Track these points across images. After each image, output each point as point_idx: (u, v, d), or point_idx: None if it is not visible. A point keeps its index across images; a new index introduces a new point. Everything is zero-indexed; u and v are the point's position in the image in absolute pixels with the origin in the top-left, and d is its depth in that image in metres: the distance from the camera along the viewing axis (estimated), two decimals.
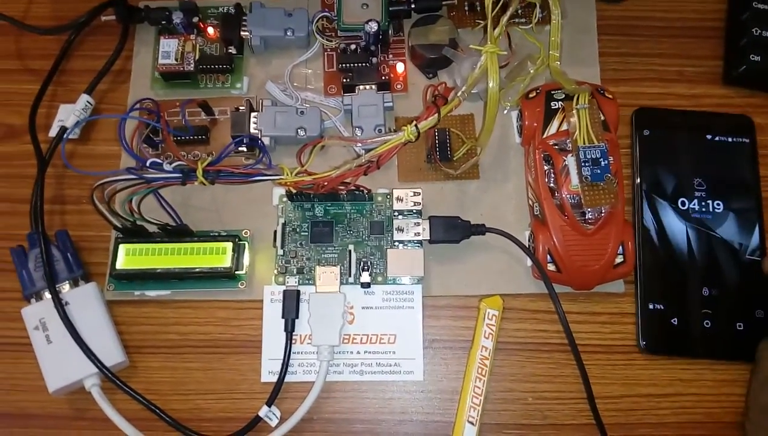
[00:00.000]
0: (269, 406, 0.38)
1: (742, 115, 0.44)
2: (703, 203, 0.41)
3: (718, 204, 0.41)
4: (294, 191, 0.37)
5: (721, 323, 0.39)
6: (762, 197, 0.42)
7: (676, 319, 0.39)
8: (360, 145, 0.38)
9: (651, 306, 0.39)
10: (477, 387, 0.39)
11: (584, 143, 0.38)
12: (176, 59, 0.44)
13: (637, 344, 0.40)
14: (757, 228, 0.41)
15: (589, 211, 0.38)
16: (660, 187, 0.41)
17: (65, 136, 0.41)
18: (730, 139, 0.42)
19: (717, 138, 0.42)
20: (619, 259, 0.38)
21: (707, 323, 0.39)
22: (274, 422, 0.38)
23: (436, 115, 0.35)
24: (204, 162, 0.35)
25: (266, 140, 0.42)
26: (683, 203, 0.41)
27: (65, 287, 0.40)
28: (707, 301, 0.40)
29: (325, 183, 0.36)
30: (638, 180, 0.42)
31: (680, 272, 0.40)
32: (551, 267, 0.39)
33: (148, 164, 0.35)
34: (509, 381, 0.40)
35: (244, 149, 0.42)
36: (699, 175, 0.41)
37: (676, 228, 0.41)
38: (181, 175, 0.34)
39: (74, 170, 0.43)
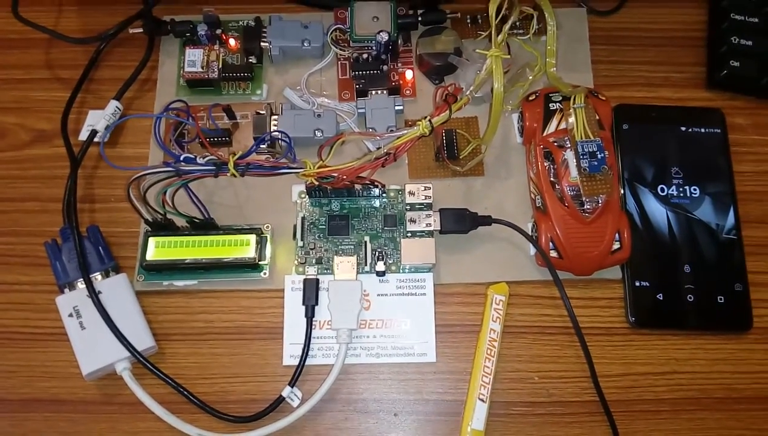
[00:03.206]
0: (292, 387, 0.41)
1: (714, 109, 0.48)
2: (681, 189, 0.44)
3: (694, 189, 0.44)
4: (316, 184, 0.40)
5: (703, 297, 0.43)
6: (735, 182, 0.45)
7: (661, 294, 0.43)
8: (378, 138, 0.41)
9: (637, 284, 0.43)
10: (486, 367, 0.41)
11: (582, 138, 0.41)
12: (202, 67, 0.47)
13: (627, 320, 0.43)
14: (731, 209, 0.44)
15: (587, 201, 0.41)
16: (641, 175, 0.45)
17: (103, 138, 0.45)
18: (703, 130, 0.46)
19: (691, 129, 0.46)
20: (616, 245, 0.41)
21: (690, 298, 0.42)
22: (295, 403, 0.41)
23: (448, 111, 0.38)
24: (235, 156, 0.37)
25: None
26: (662, 190, 0.44)
27: (97, 278, 0.42)
28: (689, 277, 0.43)
29: (345, 175, 0.39)
30: (620, 169, 0.45)
31: (663, 252, 0.43)
32: (553, 254, 0.42)
33: (181, 159, 0.38)
34: (516, 362, 0.42)
35: (265, 147, 0.45)
36: (676, 164, 0.45)
37: (657, 212, 0.44)
38: (214, 167, 0.37)
39: (111, 165, 0.45)
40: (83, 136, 0.47)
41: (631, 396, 0.42)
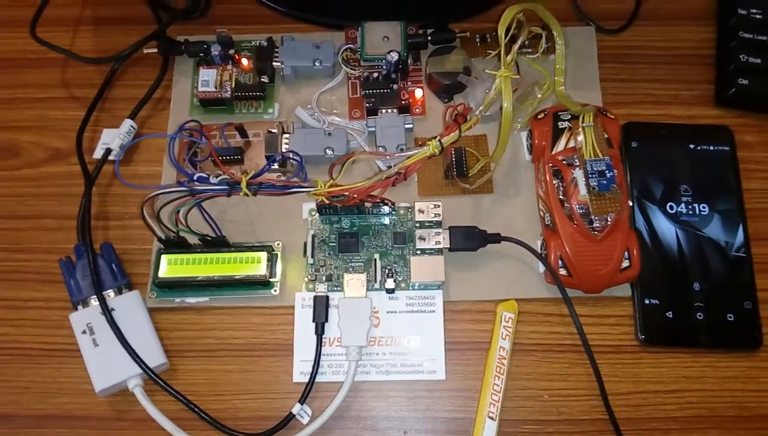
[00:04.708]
0: (302, 404, 0.41)
1: (722, 126, 0.48)
2: (690, 207, 0.45)
3: (703, 207, 0.45)
4: (326, 202, 0.40)
5: (712, 314, 0.42)
6: (744, 200, 0.45)
7: (671, 312, 0.43)
8: (388, 158, 0.42)
9: (647, 301, 0.43)
10: (496, 385, 0.41)
11: (591, 157, 0.41)
12: (215, 87, 0.48)
13: (636, 337, 0.43)
14: (741, 227, 0.44)
15: (596, 220, 0.41)
16: (649, 193, 0.45)
17: (117, 157, 0.45)
18: (711, 148, 0.46)
19: (699, 147, 0.46)
20: (625, 263, 0.42)
21: (700, 315, 0.42)
22: (305, 420, 0.41)
23: (458, 131, 0.39)
24: (248, 175, 0.38)
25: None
26: (671, 207, 0.45)
27: (110, 295, 0.43)
28: (699, 295, 0.43)
29: (356, 194, 0.39)
30: (629, 187, 0.45)
31: (672, 270, 0.43)
32: (562, 272, 0.42)
33: (195, 178, 0.38)
34: (525, 380, 0.42)
35: (277, 166, 0.45)
36: (685, 182, 0.45)
37: (666, 230, 0.44)
38: (227, 187, 0.38)
39: (126, 184, 0.46)
40: (98, 154, 0.47)
41: (640, 414, 0.42)
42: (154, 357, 0.41)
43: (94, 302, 0.42)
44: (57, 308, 0.44)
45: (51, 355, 0.44)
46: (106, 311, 0.41)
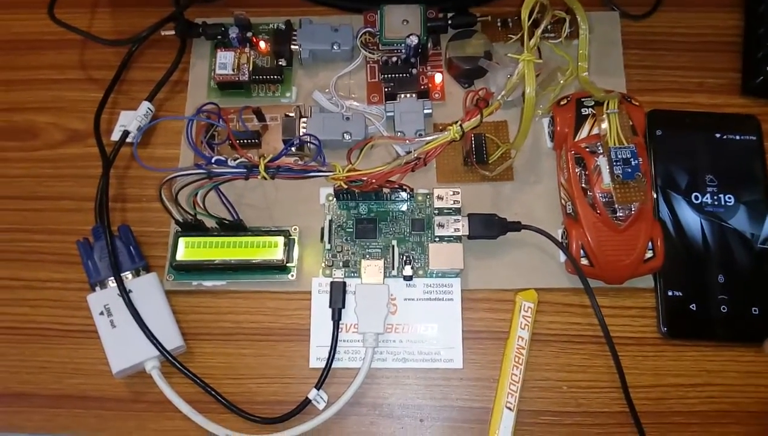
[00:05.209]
0: (318, 389, 0.41)
1: (749, 115, 0.46)
2: (716, 197, 0.44)
3: (729, 198, 0.44)
4: (345, 187, 0.40)
5: (737, 307, 0.42)
6: None
7: (694, 305, 0.42)
8: (407, 142, 0.41)
9: (670, 293, 0.42)
10: (514, 375, 0.41)
11: (615, 144, 0.40)
12: (233, 70, 0.47)
13: (658, 330, 0.42)
14: (767, 219, 0.43)
15: (620, 209, 0.40)
16: (674, 182, 0.44)
17: (135, 139, 0.45)
18: (738, 138, 0.45)
19: (725, 136, 0.45)
20: (648, 254, 0.41)
21: (724, 308, 0.42)
22: (321, 405, 0.41)
23: (479, 116, 0.38)
24: (266, 159, 0.38)
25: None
26: (696, 197, 0.44)
27: (128, 277, 0.43)
28: (723, 287, 0.42)
29: (374, 179, 0.39)
30: (654, 176, 0.44)
31: (696, 261, 0.43)
32: (584, 262, 0.41)
33: (213, 161, 0.38)
34: (544, 370, 0.42)
35: (294, 150, 0.45)
36: (710, 172, 0.44)
37: (691, 220, 0.43)
38: (245, 170, 0.37)
39: (144, 166, 0.46)
40: (115, 136, 0.47)
41: (661, 408, 0.41)
42: (172, 340, 0.41)
43: (112, 283, 0.42)
44: (74, 289, 0.45)
45: (68, 335, 0.44)
46: (124, 292, 0.41)
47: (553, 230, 0.43)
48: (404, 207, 0.44)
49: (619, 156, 0.40)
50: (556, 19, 0.46)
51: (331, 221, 0.44)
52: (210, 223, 0.43)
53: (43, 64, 0.51)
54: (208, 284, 0.44)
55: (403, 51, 0.47)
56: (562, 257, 0.43)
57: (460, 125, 0.38)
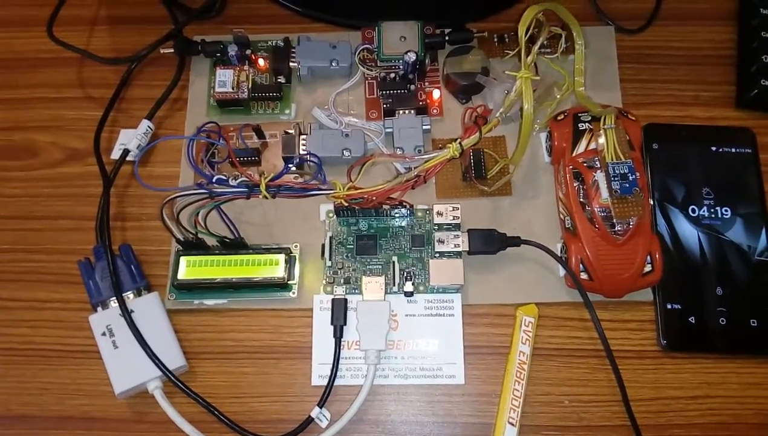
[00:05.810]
0: (320, 407, 0.41)
1: (744, 128, 0.47)
2: (712, 210, 0.44)
3: (726, 210, 0.44)
4: (345, 204, 0.40)
5: (735, 319, 0.42)
6: (766, 203, 0.45)
7: (693, 317, 0.42)
8: (407, 160, 0.41)
9: (669, 306, 0.42)
10: (516, 390, 0.41)
11: (612, 159, 0.41)
12: (232, 88, 0.47)
13: (658, 343, 0.42)
14: (763, 231, 0.44)
15: (618, 223, 0.41)
16: (671, 196, 0.45)
17: (136, 158, 0.45)
18: (733, 150, 0.46)
19: (721, 149, 0.46)
20: (647, 268, 0.41)
21: (722, 321, 0.42)
22: (324, 424, 0.41)
23: (478, 133, 0.38)
24: (267, 178, 0.38)
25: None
26: (693, 210, 0.44)
27: (130, 296, 0.43)
28: (721, 300, 0.42)
29: (375, 197, 0.39)
30: (651, 190, 0.45)
31: (694, 274, 0.43)
32: (584, 276, 0.42)
33: (214, 180, 0.38)
34: (546, 385, 0.42)
35: (294, 168, 0.45)
36: (707, 185, 0.45)
37: (688, 233, 0.44)
38: (246, 189, 0.37)
39: (144, 186, 0.46)
40: (115, 154, 0.47)
41: (662, 421, 0.41)
42: (174, 359, 0.41)
43: (114, 303, 0.42)
44: (74, 309, 0.45)
45: (69, 356, 0.44)
46: (126, 313, 0.41)
47: (551, 244, 0.43)
48: (404, 223, 0.45)
49: (617, 171, 0.40)
50: (552, 34, 0.47)
51: (331, 238, 0.44)
52: (211, 241, 0.43)
53: (42, 82, 0.52)
54: (210, 302, 0.44)
55: (401, 67, 0.48)
56: (562, 272, 0.43)
57: (460, 143, 0.38)
